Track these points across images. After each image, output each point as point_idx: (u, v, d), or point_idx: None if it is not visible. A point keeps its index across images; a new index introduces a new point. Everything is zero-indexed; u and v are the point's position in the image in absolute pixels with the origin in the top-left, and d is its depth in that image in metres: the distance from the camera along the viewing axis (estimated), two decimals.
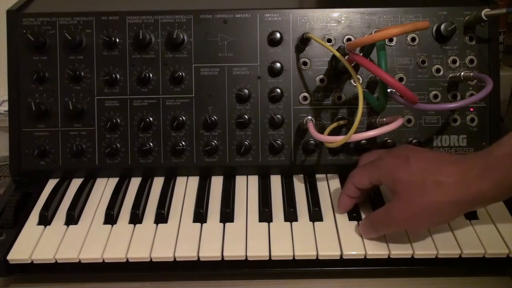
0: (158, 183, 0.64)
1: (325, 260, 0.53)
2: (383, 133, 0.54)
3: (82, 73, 0.63)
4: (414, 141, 0.63)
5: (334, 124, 0.62)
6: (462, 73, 0.62)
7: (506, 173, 0.45)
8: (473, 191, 0.46)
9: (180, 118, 0.63)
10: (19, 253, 0.54)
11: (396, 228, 0.52)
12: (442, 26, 0.62)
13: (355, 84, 0.63)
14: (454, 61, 0.63)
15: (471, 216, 0.57)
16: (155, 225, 0.57)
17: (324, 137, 0.57)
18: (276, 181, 0.64)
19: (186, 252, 0.53)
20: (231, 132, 0.63)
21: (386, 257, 0.53)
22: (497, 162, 0.45)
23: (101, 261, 0.53)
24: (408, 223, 0.51)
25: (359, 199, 0.57)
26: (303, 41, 0.63)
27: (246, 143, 0.63)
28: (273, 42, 0.63)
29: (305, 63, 0.63)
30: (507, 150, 0.45)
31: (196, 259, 0.53)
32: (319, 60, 0.63)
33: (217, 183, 0.63)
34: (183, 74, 0.63)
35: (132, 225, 0.57)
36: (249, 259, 0.53)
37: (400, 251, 0.53)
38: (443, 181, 0.47)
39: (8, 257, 0.53)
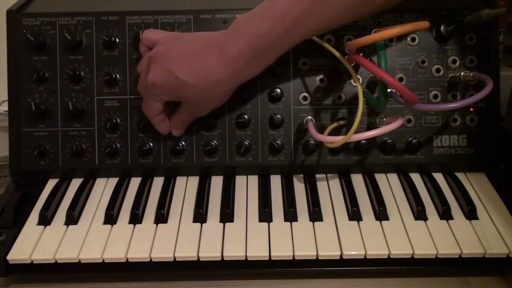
0: (158, 183, 0.64)
1: (325, 260, 0.53)
2: (383, 133, 0.54)
3: (82, 73, 0.63)
4: (414, 141, 0.63)
5: (334, 124, 0.62)
6: (462, 73, 0.62)
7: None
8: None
9: None
10: (19, 253, 0.54)
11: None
12: (442, 26, 0.62)
13: (355, 84, 0.63)
14: (454, 61, 0.63)
15: (471, 216, 0.57)
16: (155, 225, 0.57)
17: (324, 137, 0.57)
18: (276, 181, 0.63)
19: (186, 252, 0.53)
20: (231, 132, 0.63)
21: (386, 257, 0.53)
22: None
23: (101, 261, 0.53)
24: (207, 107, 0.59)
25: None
26: (303, 41, 0.63)
27: (246, 143, 0.63)
28: None
29: (305, 63, 0.63)
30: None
31: (196, 259, 0.53)
32: (319, 60, 0.63)
33: (217, 183, 0.63)
34: None
35: (132, 225, 0.57)
36: (249, 259, 0.53)
37: (400, 251, 0.53)
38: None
39: (8, 257, 0.53)
